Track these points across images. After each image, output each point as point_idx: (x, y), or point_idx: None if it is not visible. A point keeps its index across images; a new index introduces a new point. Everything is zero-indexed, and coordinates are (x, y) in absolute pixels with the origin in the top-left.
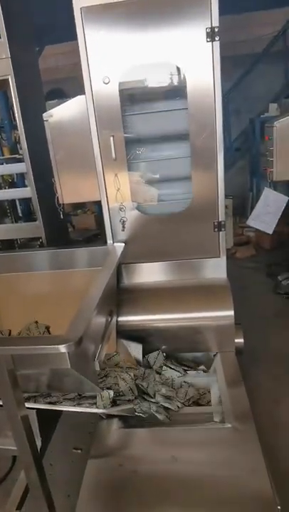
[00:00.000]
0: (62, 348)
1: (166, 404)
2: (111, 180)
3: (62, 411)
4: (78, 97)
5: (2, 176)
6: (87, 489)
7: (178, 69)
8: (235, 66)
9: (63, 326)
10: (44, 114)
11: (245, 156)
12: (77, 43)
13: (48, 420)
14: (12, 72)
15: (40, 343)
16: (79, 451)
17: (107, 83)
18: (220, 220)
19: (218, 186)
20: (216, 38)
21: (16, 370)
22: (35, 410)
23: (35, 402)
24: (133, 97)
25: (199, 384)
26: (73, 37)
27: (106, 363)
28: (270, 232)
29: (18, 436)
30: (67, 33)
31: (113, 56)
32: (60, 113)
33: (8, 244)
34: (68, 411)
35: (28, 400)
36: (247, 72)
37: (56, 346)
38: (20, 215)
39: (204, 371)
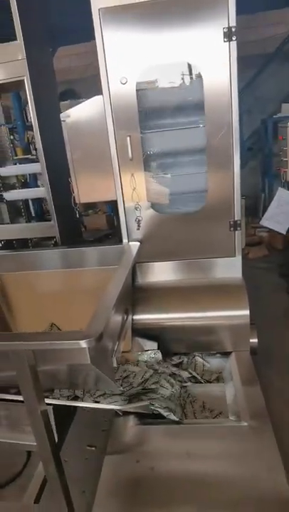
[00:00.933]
0: (83, 344)
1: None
2: (127, 179)
3: (76, 408)
4: (95, 97)
5: (16, 176)
6: (105, 485)
7: (194, 69)
8: (246, 66)
9: (78, 324)
10: (61, 115)
11: (257, 156)
12: (90, 44)
13: (64, 417)
14: (28, 72)
15: (61, 339)
16: (93, 448)
17: (124, 83)
18: (236, 219)
19: (235, 185)
20: (233, 38)
21: (37, 366)
22: (51, 406)
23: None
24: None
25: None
26: (87, 38)
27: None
28: (284, 232)
29: (38, 431)
30: (81, 35)
31: (131, 56)
32: (78, 113)
33: (22, 244)
34: (85, 407)
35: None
36: (259, 72)
37: (77, 341)
38: (33, 214)
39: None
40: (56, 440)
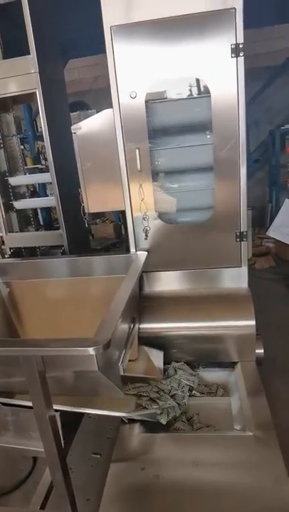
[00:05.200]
0: (91, 351)
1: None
2: (135, 190)
3: (83, 415)
4: (105, 110)
5: (26, 185)
6: (110, 493)
7: (202, 83)
8: (256, 78)
9: (86, 332)
10: (73, 127)
11: (264, 167)
12: (99, 57)
13: (70, 423)
14: (39, 85)
15: (70, 345)
16: (98, 456)
17: (134, 97)
18: (242, 230)
19: (241, 197)
20: (241, 54)
21: (46, 372)
22: (59, 412)
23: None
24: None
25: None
26: (96, 51)
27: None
28: None
29: (46, 436)
30: (90, 47)
31: (140, 71)
32: (88, 126)
33: (30, 252)
34: (91, 414)
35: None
36: (267, 84)
37: (85, 348)
38: (42, 223)
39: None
40: (63, 447)
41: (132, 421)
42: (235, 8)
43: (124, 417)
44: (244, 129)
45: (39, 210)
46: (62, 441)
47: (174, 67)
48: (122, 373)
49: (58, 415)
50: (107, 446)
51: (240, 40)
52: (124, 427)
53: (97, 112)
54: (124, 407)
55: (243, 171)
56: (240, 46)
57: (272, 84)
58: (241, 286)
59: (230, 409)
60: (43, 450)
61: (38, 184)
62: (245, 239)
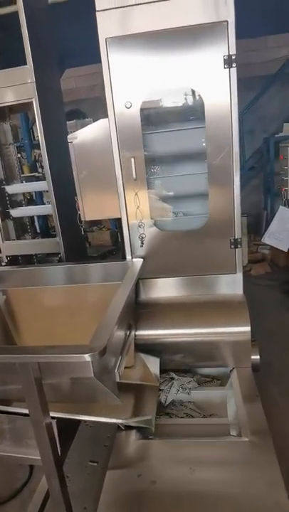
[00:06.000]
0: (87, 357)
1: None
2: (131, 198)
3: (80, 423)
4: (101, 120)
5: (23, 193)
6: (106, 500)
7: (197, 94)
8: (249, 87)
9: (82, 339)
10: (69, 136)
11: (259, 174)
12: (96, 66)
13: (67, 431)
14: (36, 95)
15: (66, 352)
16: (95, 464)
17: (129, 107)
18: (236, 237)
19: (235, 204)
20: (233, 65)
21: (42, 379)
22: (55, 420)
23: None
24: (153, 118)
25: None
26: (92, 61)
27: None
28: (285, 249)
29: (42, 444)
30: (87, 57)
31: (135, 82)
32: (84, 135)
33: (27, 260)
34: (87, 420)
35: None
36: (261, 93)
37: (81, 355)
38: (38, 231)
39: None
40: (59, 454)
41: (128, 427)
42: (227, 21)
43: (120, 423)
44: (237, 137)
45: (36, 218)
46: (58, 449)
47: (168, 78)
48: (118, 380)
49: (54, 422)
50: (104, 454)
51: (233, 51)
52: (121, 433)
53: (93, 121)
54: (121, 414)
55: (237, 178)
56: (233, 57)
57: (266, 92)
58: (236, 292)
59: (225, 397)
60: (39, 458)
61: (35, 192)
62: (239, 246)
